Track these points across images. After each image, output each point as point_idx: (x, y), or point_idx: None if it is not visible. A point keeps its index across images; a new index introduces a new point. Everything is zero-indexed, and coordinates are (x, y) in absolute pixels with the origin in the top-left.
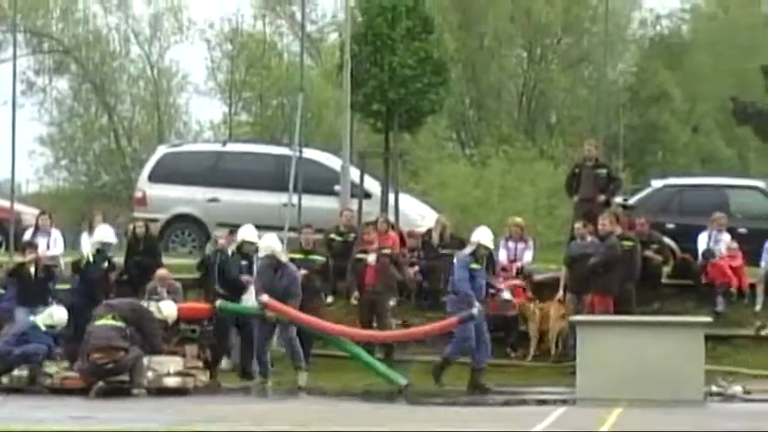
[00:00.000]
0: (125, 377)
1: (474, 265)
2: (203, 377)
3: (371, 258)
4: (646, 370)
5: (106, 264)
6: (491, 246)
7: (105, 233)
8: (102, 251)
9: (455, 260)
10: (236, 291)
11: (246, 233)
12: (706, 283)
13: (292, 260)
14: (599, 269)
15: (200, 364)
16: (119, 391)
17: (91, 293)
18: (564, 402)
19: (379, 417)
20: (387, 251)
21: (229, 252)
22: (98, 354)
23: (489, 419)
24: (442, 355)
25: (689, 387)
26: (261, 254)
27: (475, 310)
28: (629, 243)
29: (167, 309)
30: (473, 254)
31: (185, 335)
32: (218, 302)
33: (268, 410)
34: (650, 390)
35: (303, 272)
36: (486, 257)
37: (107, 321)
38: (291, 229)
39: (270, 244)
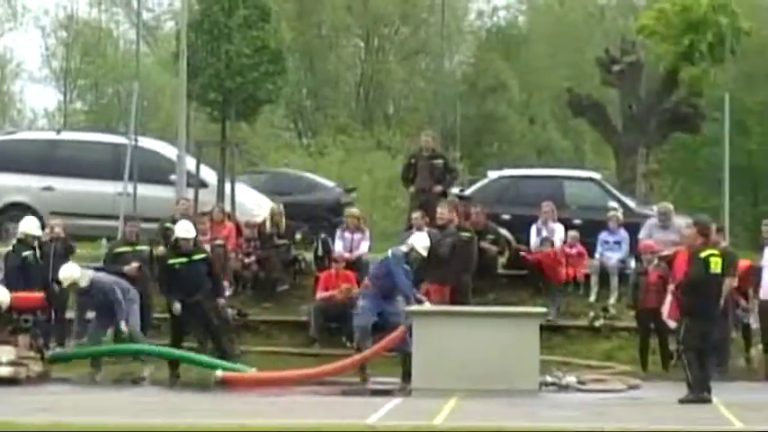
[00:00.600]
0: None
1: (406, 266)
2: (36, 367)
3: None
4: (481, 360)
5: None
6: (424, 253)
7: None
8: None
9: (390, 256)
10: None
11: (179, 229)
12: (538, 272)
13: (121, 254)
14: (447, 258)
15: (33, 353)
16: None
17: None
18: (399, 393)
19: (213, 408)
20: (220, 242)
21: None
22: None
23: (323, 410)
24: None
25: (524, 377)
26: (64, 285)
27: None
28: (466, 234)
29: None
30: (406, 255)
31: (18, 324)
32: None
33: (96, 400)
34: (486, 380)
35: (135, 264)
36: (414, 263)
37: None
38: (126, 218)
39: (68, 275)
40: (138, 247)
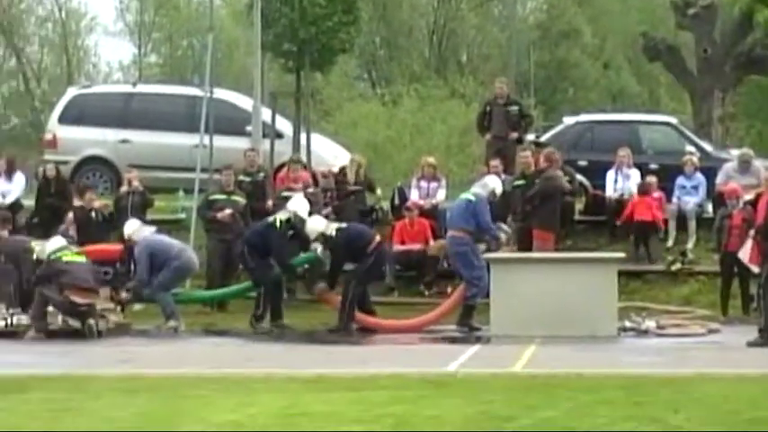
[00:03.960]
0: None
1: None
2: (115, 318)
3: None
4: (559, 307)
5: None
6: (499, 192)
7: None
8: None
9: (473, 200)
10: None
11: (298, 206)
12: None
13: (215, 201)
14: (536, 201)
15: (113, 305)
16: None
17: None
18: (478, 340)
19: (290, 359)
20: (310, 189)
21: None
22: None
23: (401, 358)
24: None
25: (603, 323)
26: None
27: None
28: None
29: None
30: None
31: (98, 277)
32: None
33: (176, 351)
34: (564, 326)
35: (228, 211)
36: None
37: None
38: (204, 170)
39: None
40: (234, 197)
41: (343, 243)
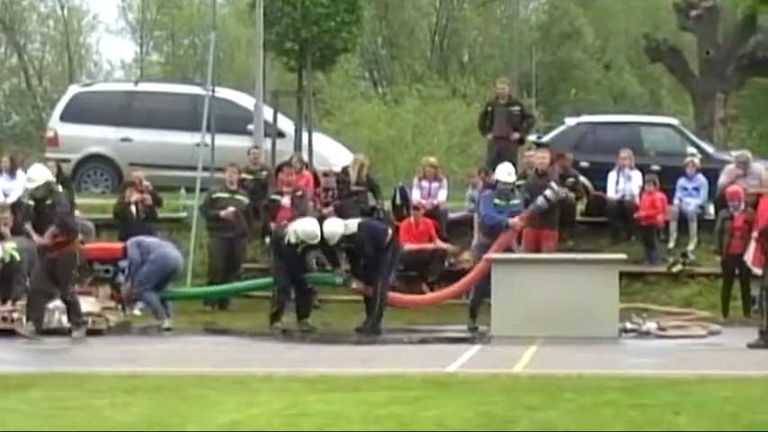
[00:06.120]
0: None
1: (498, 201)
2: (116, 318)
3: (286, 201)
4: (561, 307)
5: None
6: (509, 179)
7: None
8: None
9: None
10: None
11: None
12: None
13: (218, 199)
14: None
15: (113, 304)
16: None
17: None
18: (479, 340)
19: (291, 358)
20: (300, 192)
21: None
22: None
23: (402, 358)
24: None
25: (604, 324)
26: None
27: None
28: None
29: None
30: (494, 186)
31: (98, 275)
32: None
33: (177, 350)
34: (565, 327)
35: (231, 209)
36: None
37: None
38: (205, 168)
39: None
40: (237, 196)
41: (366, 239)
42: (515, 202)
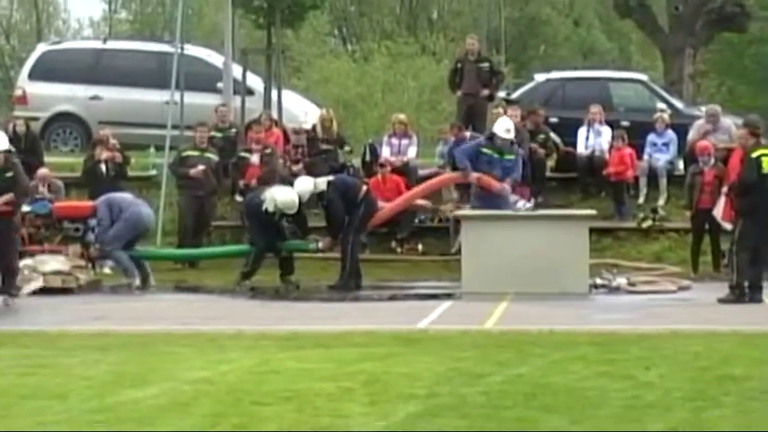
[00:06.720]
0: None
1: (488, 151)
2: (86, 276)
3: (255, 158)
4: (531, 263)
5: None
6: (506, 136)
7: None
8: None
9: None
10: None
11: (278, 194)
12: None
13: (188, 157)
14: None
15: (83, 262)
16: None
17: None
18: (449, 297)
19: (264, 315)
20: (269, 150)
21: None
22: None
23: (373, 315)
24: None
25: (574, 280)
26: None
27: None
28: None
29: None
30: (490, 139)
31: (68, 233)
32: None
33: (148, 308)
34: (536, 283)
35: (201, 167)
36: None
37: None
38: (174, 126)
39: None
40: (207, 154)
41: (338, 195)
42: (509, 157)
